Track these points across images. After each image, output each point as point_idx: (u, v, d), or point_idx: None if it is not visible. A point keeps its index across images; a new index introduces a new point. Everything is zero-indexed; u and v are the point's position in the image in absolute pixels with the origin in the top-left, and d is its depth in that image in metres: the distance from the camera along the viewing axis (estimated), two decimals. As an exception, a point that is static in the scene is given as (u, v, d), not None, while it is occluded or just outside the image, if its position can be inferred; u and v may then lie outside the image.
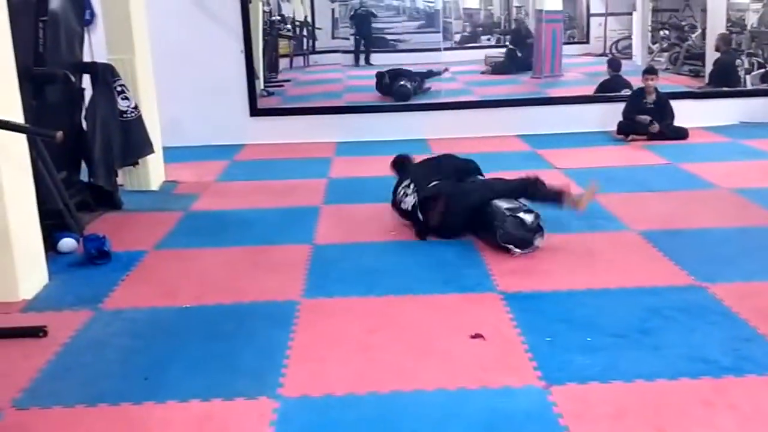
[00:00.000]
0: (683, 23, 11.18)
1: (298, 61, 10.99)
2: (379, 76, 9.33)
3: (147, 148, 5.84)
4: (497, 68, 11.11)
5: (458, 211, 4.61)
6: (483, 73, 11.16)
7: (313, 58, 11.11)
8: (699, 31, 10.57)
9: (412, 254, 4.49)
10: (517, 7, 12.55)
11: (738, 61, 9.28)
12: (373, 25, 11.43)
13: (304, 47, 11.20)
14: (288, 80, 10.25)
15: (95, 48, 6.02)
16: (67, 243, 4.55)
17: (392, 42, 11.71)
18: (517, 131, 8.05)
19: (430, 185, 4.77)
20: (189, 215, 5.47)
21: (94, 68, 5.50)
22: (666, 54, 11.11)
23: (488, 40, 12.55)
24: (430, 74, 9.52)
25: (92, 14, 5.95)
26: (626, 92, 8.24)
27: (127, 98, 5.57)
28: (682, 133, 7.58)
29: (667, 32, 11.45)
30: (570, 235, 4.57)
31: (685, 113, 7.82)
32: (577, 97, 8.64)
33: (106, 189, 5.44)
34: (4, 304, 3.78)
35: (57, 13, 5.00)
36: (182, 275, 4.24)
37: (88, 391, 2.94)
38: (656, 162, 6.72)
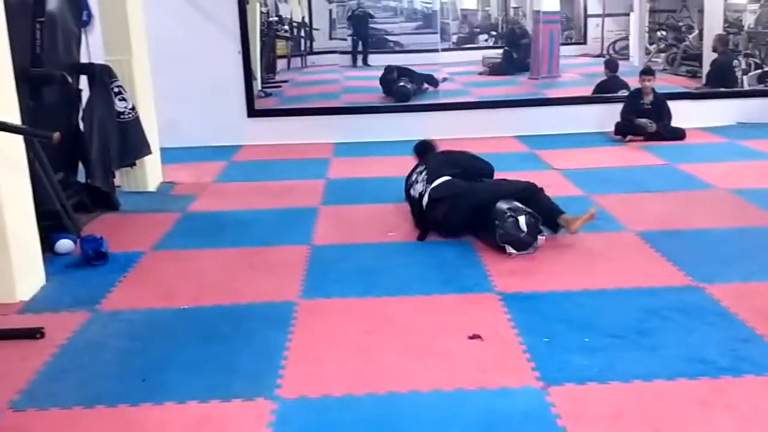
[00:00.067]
0: (680, 24, 11.21)
1: (296, 62, 11.02)
2: (388, 70, 9.26)
3: (144, 149, 5.83)
4: (495, 69, 11.13)
5: (463, 209, 4.61)
6: (481, 74, 11.18)
7: (310, 59, 11.13)
8: (696, 31, 10.60)
9: (411, 255, 4.49)
10: (514, 7, 12.58)
11: (735, 62, 9.30)
12: (371, 26, 11.44)
13: (302, 48, 11.22)
14: (285, 81, 10.26)
15: (92, 49, 6.01)
16: (65, 244, 4.54)
17: (390, 43, 11.73)
18: (515, 132, 8.05)
19: (441, 179, 4.76)
20: (186, 216, 5.46)
21: (91, 69, 5.50)
22: (663, 55, 11.14)
23: (486, 41, 12.58)
24: (431, 80, 9.53)
25: (89, 15, 5.93)
26: (623, 93, 8.25)
27: (124, 99, 5.57)
28: (679, 134, 7.58)
29: (664, 33, 11.47)
30: (568, 235, 4.57)
31: (683, 114, 7.82)
32: (574, 97, 8.64)
33: (103, 190, 5.43)
34: (1, 305, 3.77)
35: (54, 14, 5.00)
36: (180, 276, 4.23)
37: (86, 393, 2.93)
38: (654, 163, 6.72)
